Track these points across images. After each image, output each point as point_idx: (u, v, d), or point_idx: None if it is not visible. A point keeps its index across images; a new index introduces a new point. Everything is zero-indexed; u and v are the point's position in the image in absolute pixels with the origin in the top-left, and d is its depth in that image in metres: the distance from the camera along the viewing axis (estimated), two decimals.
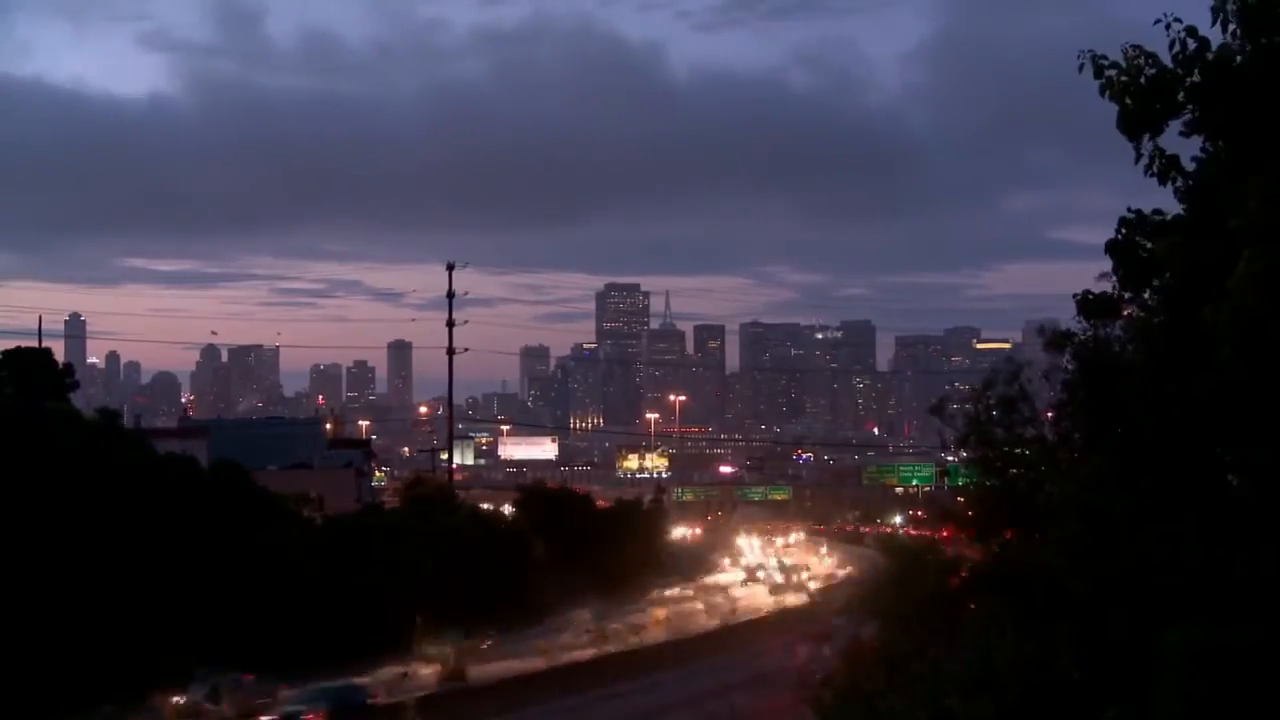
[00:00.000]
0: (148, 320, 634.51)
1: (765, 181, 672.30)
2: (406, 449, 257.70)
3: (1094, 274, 12.68)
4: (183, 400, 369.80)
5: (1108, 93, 10.83)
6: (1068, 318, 14.19)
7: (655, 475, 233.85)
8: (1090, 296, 12.31)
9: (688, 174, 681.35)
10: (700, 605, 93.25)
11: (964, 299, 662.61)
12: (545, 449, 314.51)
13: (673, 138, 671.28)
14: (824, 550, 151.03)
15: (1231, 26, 10.58)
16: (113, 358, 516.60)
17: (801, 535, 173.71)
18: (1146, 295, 11.95)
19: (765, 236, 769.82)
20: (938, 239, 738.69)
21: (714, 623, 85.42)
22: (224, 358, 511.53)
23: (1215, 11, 10.59)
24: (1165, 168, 10.99)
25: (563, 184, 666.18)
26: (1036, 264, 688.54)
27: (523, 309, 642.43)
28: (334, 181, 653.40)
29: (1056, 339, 15.33)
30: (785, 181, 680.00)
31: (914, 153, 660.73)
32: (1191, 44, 10.66)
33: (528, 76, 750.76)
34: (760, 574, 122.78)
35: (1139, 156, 10.95)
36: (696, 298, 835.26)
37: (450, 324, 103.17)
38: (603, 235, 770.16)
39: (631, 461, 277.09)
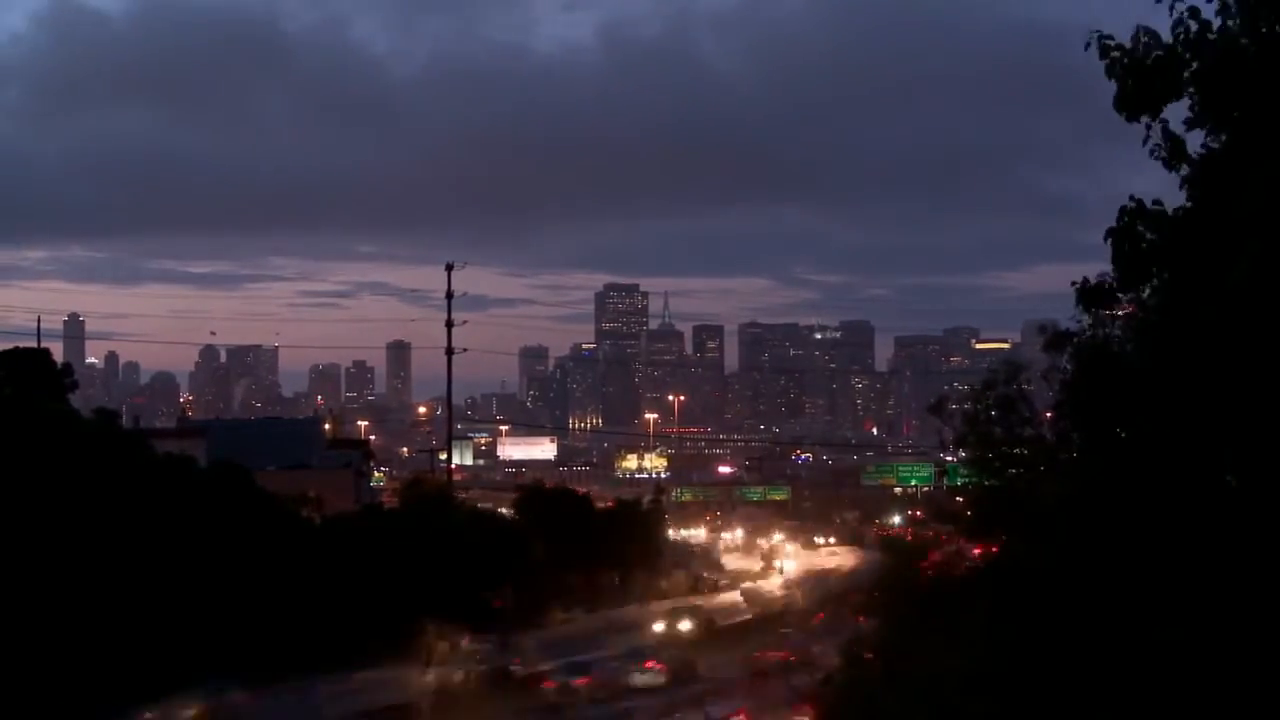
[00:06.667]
0: (159, 321, 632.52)
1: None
2: (405, 449, 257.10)
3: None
4: (181, 400, 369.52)
5: (1112, 74, 10.81)
6: (1066, 317, 14.16)
7: (654, 475, 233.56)
8: (1089, 284, 12.26)
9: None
10: None
11: (986, 300, 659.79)
12: (544, 449, 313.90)
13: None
14: None
15: (1233, 22, 10.53)
16: (111, 358, 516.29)
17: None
18: (1146, 292, 11.92)
19: (786, 236, 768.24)
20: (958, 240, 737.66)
21: None
22: (222, 358, 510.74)
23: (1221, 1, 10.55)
24: (1172, 151, 10.95)
25: (575, 183, 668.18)
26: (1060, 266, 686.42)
27: (541, 309, 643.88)
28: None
29: (1055, 339, 15.30)
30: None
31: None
32: (1193, 25, 10.61)
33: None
34: None
35: (1146, 138, 10.93)
36: (709, 298, 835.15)
37: (449, 324, 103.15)
38: (615, 235, 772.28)
39: (630, 462, 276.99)
